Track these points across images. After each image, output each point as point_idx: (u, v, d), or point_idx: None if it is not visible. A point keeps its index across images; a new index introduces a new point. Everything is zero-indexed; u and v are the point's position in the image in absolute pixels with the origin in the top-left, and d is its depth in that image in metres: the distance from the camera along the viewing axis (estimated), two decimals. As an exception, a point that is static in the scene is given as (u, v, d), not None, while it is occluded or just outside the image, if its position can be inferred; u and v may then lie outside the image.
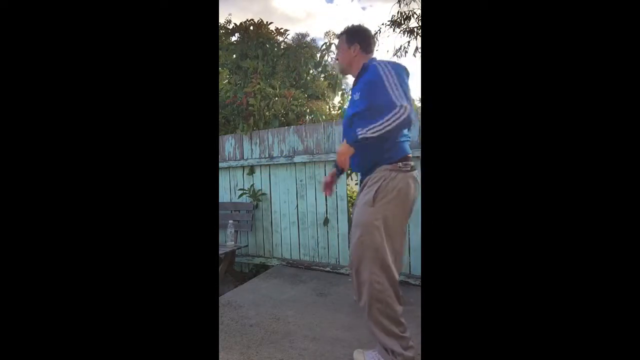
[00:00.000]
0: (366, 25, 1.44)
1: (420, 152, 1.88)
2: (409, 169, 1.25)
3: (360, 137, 1.16)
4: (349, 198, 2.57)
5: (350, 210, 2.31)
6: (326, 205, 2.54)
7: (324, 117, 3.76)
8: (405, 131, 1.28)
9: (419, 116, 1.74)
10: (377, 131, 1.15)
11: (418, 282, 2.14)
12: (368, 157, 1.27)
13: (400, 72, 1.24)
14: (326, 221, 2.54)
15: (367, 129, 1.15)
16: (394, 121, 1.14)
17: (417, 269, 2.18)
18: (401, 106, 1.14)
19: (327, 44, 5.01)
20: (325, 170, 2.52)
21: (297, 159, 2.58)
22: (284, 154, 2.68)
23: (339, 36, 1.47)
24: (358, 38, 1.38)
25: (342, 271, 2.42)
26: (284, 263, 2.72)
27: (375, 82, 1.22)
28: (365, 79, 1.28)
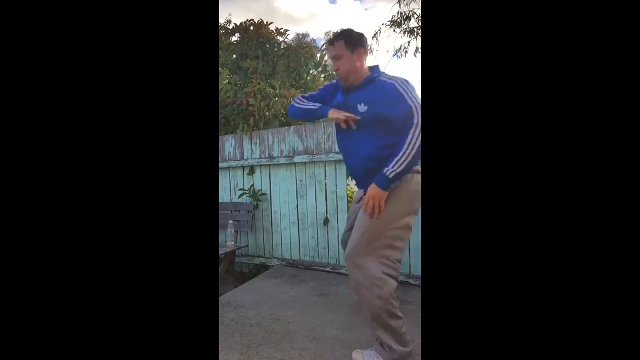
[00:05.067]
0: (364, 28, 1.45)
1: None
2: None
3: (391, 175, 1.18)
4: (348, 198, 2.57)
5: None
6: (326, 205, 2.54)
7: (324, 117, 3.74)
8: None
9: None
10: (402, 162, 1.17)
11: (418, 282, 2.14)
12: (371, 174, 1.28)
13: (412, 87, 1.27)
14: (326, 221, 2.54)
15: (392, 164, 1.18)
16: (414, 145, 1.17)
17: (417, 269, 2.18)
18: (416, 125, 1.17)
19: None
20: (325, 171, 2.52)
21: (297, 159, 2.58)
22: (284, 154, 2.68)
23: (332, 42, 1.35)
24: (360, 43, 1.33)
25: (342, 271, 2.42)
26: (284, 263, 2.72)
27: (395, 98, 1.22)
28: (379, 94, 1.27)
